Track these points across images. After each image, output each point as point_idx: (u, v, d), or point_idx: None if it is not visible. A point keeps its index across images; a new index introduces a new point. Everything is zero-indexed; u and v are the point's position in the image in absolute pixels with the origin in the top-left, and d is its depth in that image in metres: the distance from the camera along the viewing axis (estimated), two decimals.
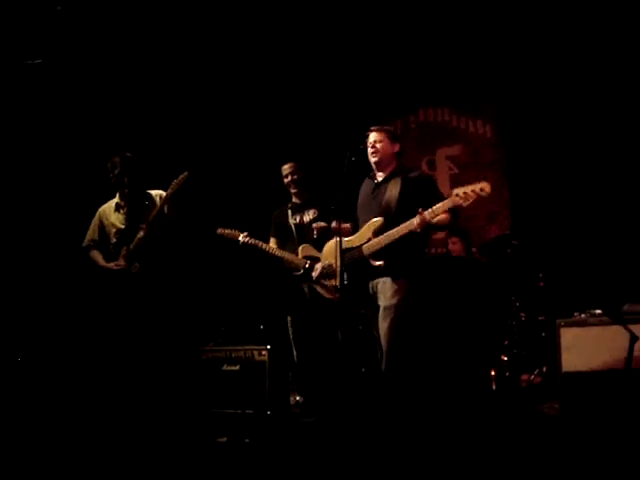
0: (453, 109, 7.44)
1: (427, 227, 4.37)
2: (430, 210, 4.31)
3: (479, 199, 4.26)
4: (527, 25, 6.61)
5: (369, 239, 4.56)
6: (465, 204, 4.21)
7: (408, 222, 4.37)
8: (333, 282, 4.82)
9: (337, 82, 7.36)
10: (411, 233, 4.39)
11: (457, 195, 4.21)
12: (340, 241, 4.45)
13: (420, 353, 4.69)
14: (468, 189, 4.18)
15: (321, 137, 7.27)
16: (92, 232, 5.31)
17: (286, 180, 5.50)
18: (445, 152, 7.40)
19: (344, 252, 4.54)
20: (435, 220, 4.34)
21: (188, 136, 7.30)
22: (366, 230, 4.62)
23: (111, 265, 5.12)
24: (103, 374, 5.21)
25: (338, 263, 4.49)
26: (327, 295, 5.23)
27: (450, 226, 4.63)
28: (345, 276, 4.50)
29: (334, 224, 4.63)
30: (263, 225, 5.66)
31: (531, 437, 3.93)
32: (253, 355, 5.33)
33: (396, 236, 4.42)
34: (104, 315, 5.10)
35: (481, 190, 4.17)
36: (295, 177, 5.46)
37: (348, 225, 4.80)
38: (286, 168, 5.50)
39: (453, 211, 4.39)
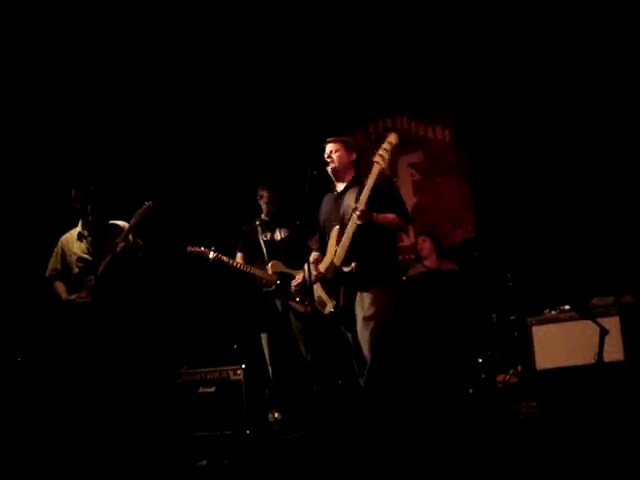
0: (411, 117, 7.49)
1: (370, 216, 4.30)
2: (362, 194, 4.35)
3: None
4: (479, 29, 6.70)
5: (335, 250, 4.53)
6: (386, 164, 4.36)
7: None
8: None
9: (295, 97, 7.37)
10: (373, 232, 4.36)
11: (377, 162, 4.35)
12: (308, 260, 4.43)
13: (400, 360, 4.68)
14: (380, 151, 4.36)
15: (281, 152, 7.27)
16: (54, 262, 5.21)
17: (261, 202, 5.59)
18: (407, 159, 7.44)
19: (325, 277, 4.54)
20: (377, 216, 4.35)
21: (151, 159, 7.23)
22: (330, 245, 4.57)
23: (73, 297, 5.05)
24: (78, 406, 5.12)
25: (308, 279, 4.46)
26: (300, 309, 5.24)
27: (398, 226, 4.61)
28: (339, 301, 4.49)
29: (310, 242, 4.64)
30: (229, 239, 5.65)
31: (510, 437, 3.95)
32: (228, 375, 5.29)
33: (351, 232, 4.38)
34: (72, 348, 5.02)
35: (390, 144, 4.38)
36: (270, 206, 5.58)
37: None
38: (263, 194, 5.61)
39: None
